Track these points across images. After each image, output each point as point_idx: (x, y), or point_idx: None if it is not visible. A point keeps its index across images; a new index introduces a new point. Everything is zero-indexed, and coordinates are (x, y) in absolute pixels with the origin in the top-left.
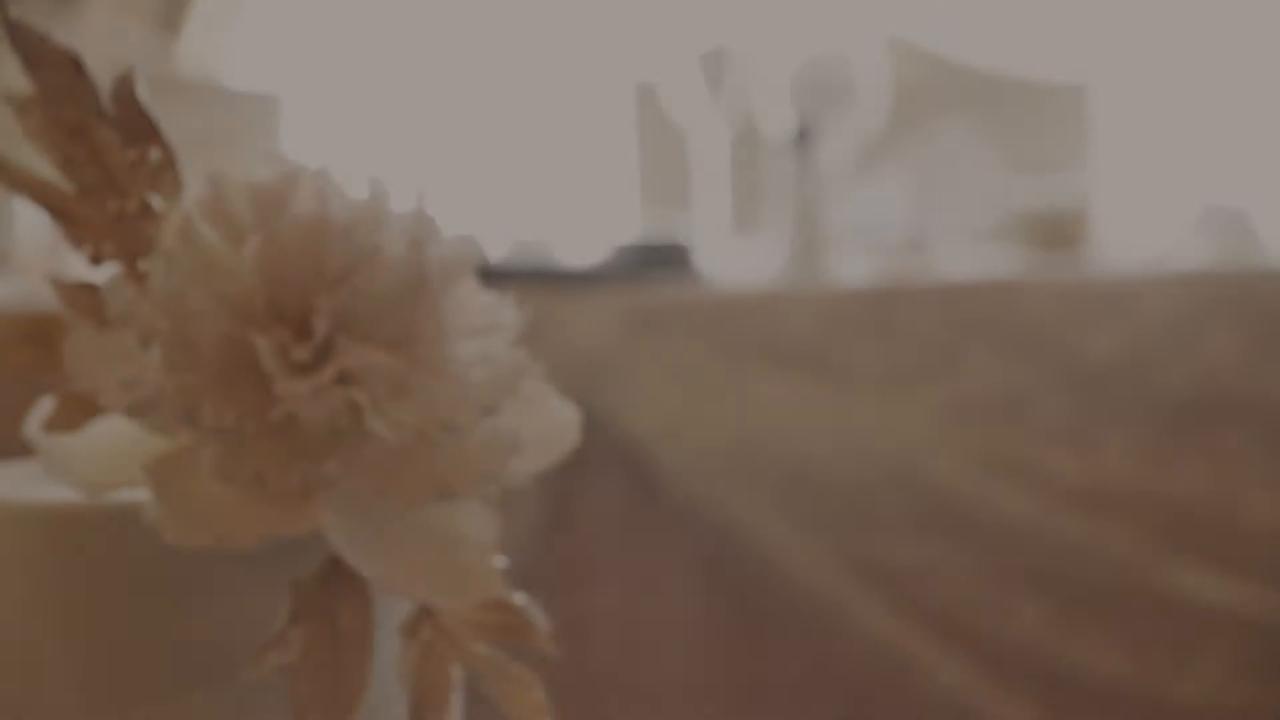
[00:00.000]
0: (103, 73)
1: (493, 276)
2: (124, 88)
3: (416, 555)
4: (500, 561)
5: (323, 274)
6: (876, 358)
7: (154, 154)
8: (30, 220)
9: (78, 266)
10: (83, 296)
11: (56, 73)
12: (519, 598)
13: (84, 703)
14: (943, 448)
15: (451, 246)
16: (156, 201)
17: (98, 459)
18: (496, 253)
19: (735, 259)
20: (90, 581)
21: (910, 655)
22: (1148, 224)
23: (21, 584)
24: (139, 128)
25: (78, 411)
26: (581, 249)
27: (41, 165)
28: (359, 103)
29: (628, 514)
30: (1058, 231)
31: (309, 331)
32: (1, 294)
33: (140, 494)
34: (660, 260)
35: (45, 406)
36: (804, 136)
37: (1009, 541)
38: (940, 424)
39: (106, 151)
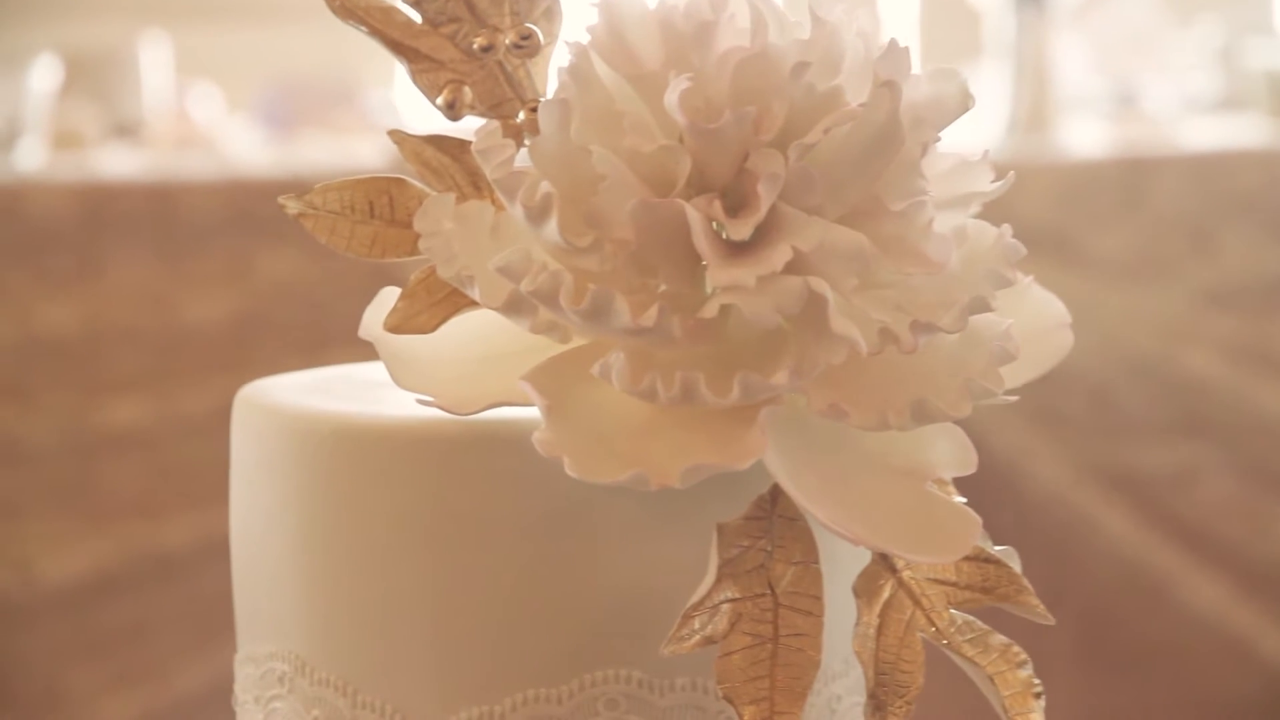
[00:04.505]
0: None
1: None
2: None
3: (880, 494)
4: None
5: (765, 127)
6: (1122, 238)
7: None
8: (158, 88)
9: (210, 135)
10: (435, 156)
11: None
12: (1002, 551)
13: (442, 679)
14: (1198, 339)
15: (931, 87)
16: (535, 34)
17: (458, 366)
18: None
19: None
20: (458, 524)
21: (1160, 571)
22: None
23: (368, 523)
24: None
25: (433, 306)
26: None
27: None
28: None
29: None
30: None
31: (749, 202)
32: (134, 167)
33: (516, 413)
34: None
35: (388, 299)
36: None
37: (1272, 444)
38: (1195, 312)
39: None
